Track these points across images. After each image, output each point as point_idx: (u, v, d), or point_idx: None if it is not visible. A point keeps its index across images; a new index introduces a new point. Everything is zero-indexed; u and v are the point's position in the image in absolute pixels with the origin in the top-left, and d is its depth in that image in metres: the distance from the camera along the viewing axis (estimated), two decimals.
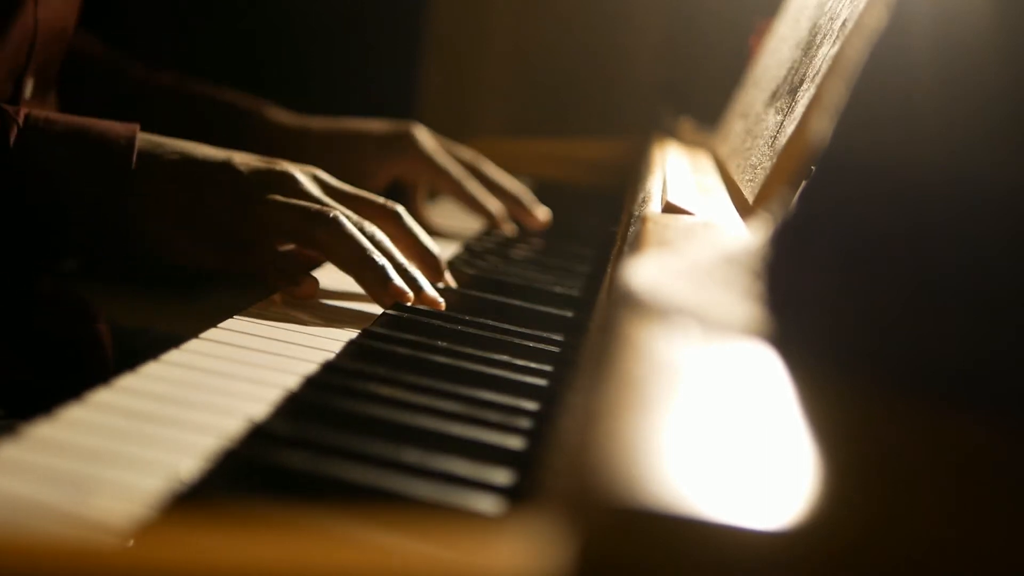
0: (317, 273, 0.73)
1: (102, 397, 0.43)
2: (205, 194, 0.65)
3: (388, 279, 0.64)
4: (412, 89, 2.00)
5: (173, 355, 0.50)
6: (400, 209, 0.71)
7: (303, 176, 0.68)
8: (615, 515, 0.25)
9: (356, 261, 0.65)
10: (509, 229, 0.99)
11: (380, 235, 0.68)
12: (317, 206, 0.66)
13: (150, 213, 0.65)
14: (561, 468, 0.35)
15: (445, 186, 0.97)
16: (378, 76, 2.03)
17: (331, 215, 0.65)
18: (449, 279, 0.73)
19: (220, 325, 0.56)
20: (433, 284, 0.68)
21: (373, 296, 0.65)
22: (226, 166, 0.66)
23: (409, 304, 0.64)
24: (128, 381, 0.46)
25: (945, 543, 0.26)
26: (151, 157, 0.65)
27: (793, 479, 0.27)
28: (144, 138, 0.66)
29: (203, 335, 0.54)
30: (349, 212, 0.67)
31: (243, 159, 0.67)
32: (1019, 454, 0.31)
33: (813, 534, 0.25)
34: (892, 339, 0.36)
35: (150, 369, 0.48)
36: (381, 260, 0.65)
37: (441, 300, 0.66)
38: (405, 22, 2.03)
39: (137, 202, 0.65)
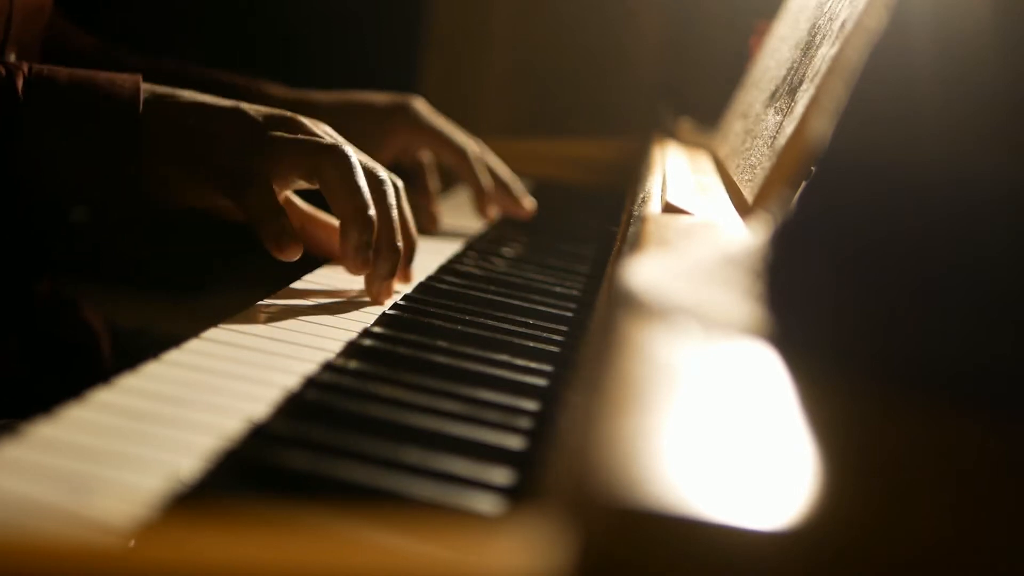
0: (318, 273, 0.73)
1: (102, 397, 0.43)
2: (215, 133, 0.65)
3: (365, 248, 0.64)
4: (412, 88, 1.99)
5: (173, 355, 0.50)
6: (400, 184, 0.71)
7: (311, 123, 0.68)
8: (615, 515, 0.25)
9: (349, 210, 0.65)
10: (492, 213, 1.01)
11: (390, 188, 0.67)
12: (330, 140, 0.66)
13: (159, 156, 0.64)
14: (561, 468, 0.35)
15: (447, 153, 0.98)
16: (378, 75, 2.03)
17: (343, 148, 0.65)
18: (409, 272, 0.73)
19: (220, 325, 0.56)
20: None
21: (342, 253, 0.65)
22: (235, 109, 0.66)
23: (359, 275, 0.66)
24: (128, 381, 0.46)
25: (945, 543, 0.26)
26: (159, 102, 0.65)
27: (793, 479, 0.27)
28: (150, 88, 0.66)
29: (203, 335, 0.54)
30: (362, 155, 0.67)
31: (251, 106, 0.67)
32: (1019, 454, 0.31)
33: (813, 534, 0.25)
34: (892, 339, 0.36)
35: (150, 369, 0.48)
36: (371, 221, 0.64)
37: (391, 293, 0.68)
38: (405, 21, 2.03)
39: (149, 153, 0.64)
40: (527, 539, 0.28)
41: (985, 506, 0.28)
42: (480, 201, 0.99)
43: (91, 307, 0.85)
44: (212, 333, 0.55)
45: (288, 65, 2.06)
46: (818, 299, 0.38)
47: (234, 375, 0.49)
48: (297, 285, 0.69)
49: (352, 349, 0.55)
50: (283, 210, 0.64)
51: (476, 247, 0.92)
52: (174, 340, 0.51)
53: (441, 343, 0.57)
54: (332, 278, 0.71)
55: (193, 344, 0.52)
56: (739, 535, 0.25)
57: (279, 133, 0.65)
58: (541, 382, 0.53)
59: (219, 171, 0.65)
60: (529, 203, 1.03)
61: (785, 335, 0.36)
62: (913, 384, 0.34)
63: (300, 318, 0.61)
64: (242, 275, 0.67)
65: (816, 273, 0.39)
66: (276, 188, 0.66)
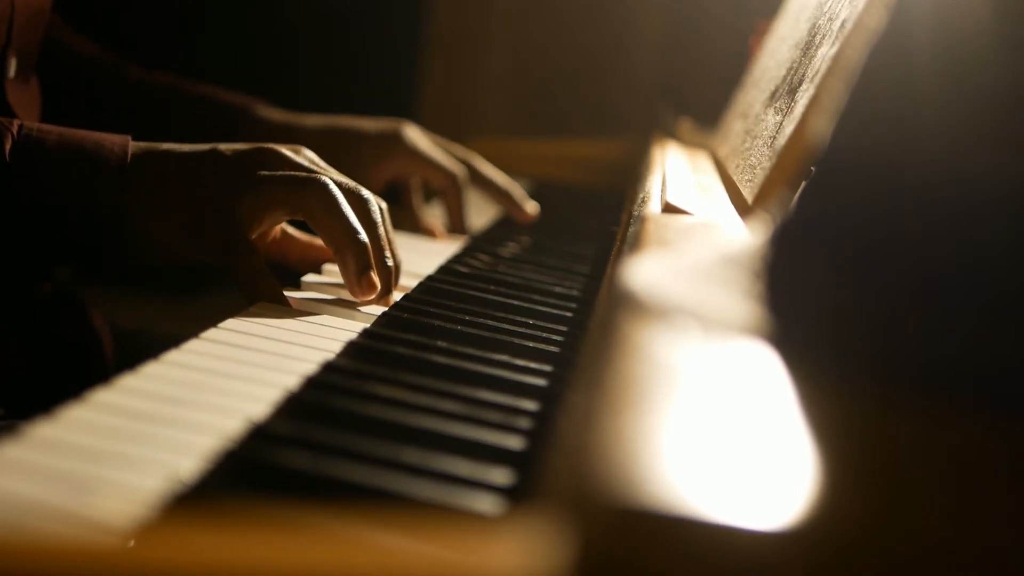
0: (318, 273, 0.73)
1: (102, 397, 0.43)
2: (196, 183, 0.65)
3: (366, 270, 0.64)
4: (412, 88, 2.00)
5: (173, 355, 0.50)
6: (384, 206, 0.71)
7: (290, 151, 0.67)
8: (615, 515, 0.25)
9: (340, 238, 0.64)
10: (437, 232, 1.00)
11: (374, 207, 0.67)
12: (305, 172, 0.65)
13: (147, 216, 0.65)
14: (560, 468, 0.35)
15: (437, 178, 0.98)
16: (378, 75, 2.03)
17: (321, 179, 0.64)
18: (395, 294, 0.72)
19: (220, 325, 0.56)
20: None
21: (345, 280, 0.65)
22: (212, 153, 0.66)
23: (367, 299, 0.65)
24: (128, 381, 0.46)
25: (945, 543, 0.26)
26: (143, 162, 0.65)
27: (793, 479, 0.27)
28: (135, 146, 0.66)
29: (203, 335, 0.54)
30: (342, 178, 0.66)
31: (228, 146, 0.67)
32: (1019, 454, 0.31)
33: (813, 534, 0.25)
34: (892, 339, 0.36)
35: (150, 369, 0.48)
36: (365, 244, 0.64)
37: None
38: (405, 21, 2.03)
39: (134, 208, 0.64)
40: (527, 539, 0.28)
41: (985, 506, 0.28)
42: (452, 225, 1.00)
43: (91, 307, 0.85)
44: (212, 333, 0.55)
45: (288, 65, 2.06)
46: (818, 299, 0.38)
47: (234, 375, 0.49)
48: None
49: (352, 349, 0.55)
50: (257, 250, 0.64)
51: (476, 247, 0.92)
52: (174, 340, 0.51)
53: (441, 343, 0.57)
54: (332, 278, 0.71)
55: (193, 344, 0.52)
56: (739, 535, 0.25)
57: (259, 172, 0.65)
58: (541, 382, 0.53)
59: (204, 221, 0.64)
60: (532, 207, 1.04)
61: (785, 335, 0.36)
62: (913, 384, 0.34)
63: (300, 318, 0.61)
64: None
65: (816, 273, 0.39)
66: (265, 226, 0.66)
